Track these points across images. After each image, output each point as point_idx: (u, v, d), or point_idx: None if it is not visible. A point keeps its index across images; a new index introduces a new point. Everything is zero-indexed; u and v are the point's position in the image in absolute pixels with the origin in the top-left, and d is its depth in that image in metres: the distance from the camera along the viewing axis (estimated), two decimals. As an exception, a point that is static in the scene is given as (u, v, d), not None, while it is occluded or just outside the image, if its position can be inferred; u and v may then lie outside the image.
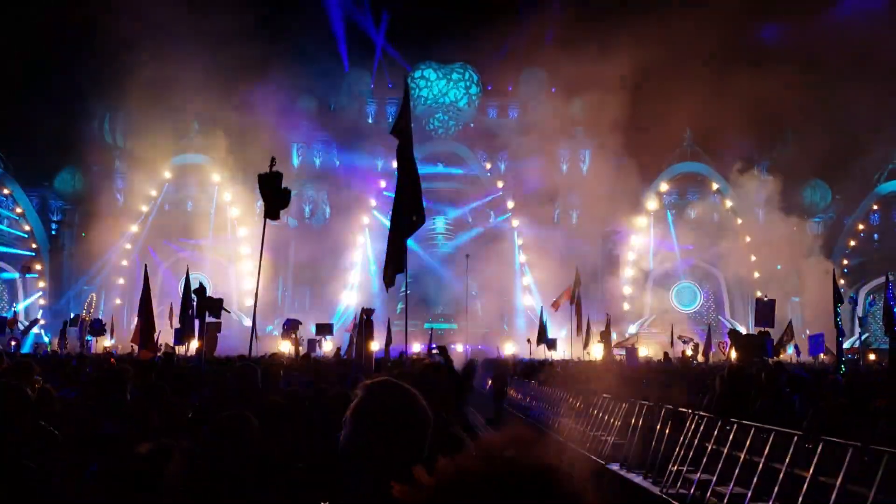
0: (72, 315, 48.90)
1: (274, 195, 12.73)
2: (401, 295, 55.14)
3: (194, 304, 19.00)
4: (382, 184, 65.60)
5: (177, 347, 27.35)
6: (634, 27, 56.07)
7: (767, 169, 63.51)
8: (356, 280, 63.22)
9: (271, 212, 12.79)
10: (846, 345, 39.71)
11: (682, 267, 64.22)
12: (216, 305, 18.81)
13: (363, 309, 18.51)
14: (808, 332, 48.25)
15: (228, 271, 60.87)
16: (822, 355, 40.27)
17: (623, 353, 40.52)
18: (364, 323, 18.02)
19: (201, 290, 18.28)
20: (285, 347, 36.52)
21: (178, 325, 25.76)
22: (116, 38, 53.78)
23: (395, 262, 10.62)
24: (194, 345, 27.56)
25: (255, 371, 7.32)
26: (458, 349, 51.65)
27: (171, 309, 36.90)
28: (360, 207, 64.66)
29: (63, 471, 4.73)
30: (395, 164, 54.49)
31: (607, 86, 58.49)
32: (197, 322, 19.02)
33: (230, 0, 55.52)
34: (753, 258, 61.92)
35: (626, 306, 63.13)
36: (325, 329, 41.36)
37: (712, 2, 54.06)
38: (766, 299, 34.88)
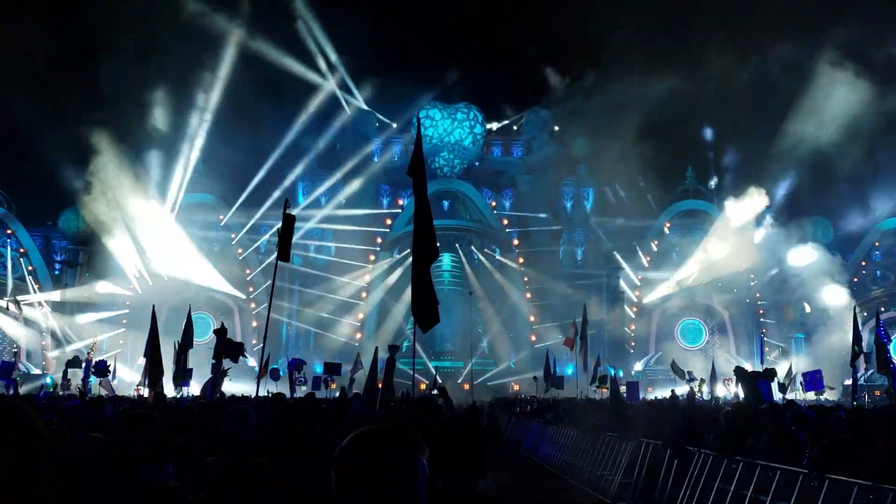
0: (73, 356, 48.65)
1: (286, 238, 12.74)
2: (408, 332, 55.24)
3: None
4: (388, 222, 65.96)
5: (181, 389, 27.13)
6: (638, 66, 56.74)
7: (769, 206, 63.62)
8: (361, 319, 63.32)
9: (284, 254, 12.78)
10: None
11: (686, 304, 64.06)
12: (236, 350, 18.15)
13: (389, 346, 18.12)
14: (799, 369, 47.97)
15: (232, 309, 60.88)
16: (825, 392, 40.01)
17: (624, 387, 40.53)
18: (387, 361, 17.54)
19: (223, 330, 17.79)
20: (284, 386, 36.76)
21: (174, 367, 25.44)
22: (122, 75, 54.30)
23: (427, 308, 10.49)
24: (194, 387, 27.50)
25: (250, 414, 7.29)
26: (465, 388, 51.56)
27: (177, 348, 36.72)
28: (365, 246, 64.79)
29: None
30: (401, 203, 54.55)
31: (611, 124, 58.86)
32: (213, 363, 18.43)
33: (236, 41, 56.39)
34: (758, 295, 61.89)
35: (631, 343, 63.15)
36: (333, 369, 41.32)
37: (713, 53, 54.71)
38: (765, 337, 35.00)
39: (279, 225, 12.18)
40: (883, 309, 54.17)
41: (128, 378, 46.71)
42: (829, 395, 40.26)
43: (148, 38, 55.62)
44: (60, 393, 38.67)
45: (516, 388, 57.43)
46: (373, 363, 19.54)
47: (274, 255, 12.68)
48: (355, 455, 2.56)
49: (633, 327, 63.88)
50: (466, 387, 51.92)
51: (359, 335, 61.60)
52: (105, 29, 53.53)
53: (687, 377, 46.51)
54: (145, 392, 24.76)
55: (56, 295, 60.94)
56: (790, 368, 40.25)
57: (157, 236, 58.03)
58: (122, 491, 5.42)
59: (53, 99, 58.55)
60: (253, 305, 61.68)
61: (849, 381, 35.89)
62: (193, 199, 62.57)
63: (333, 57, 63.34)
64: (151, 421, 6.73)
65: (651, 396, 44.19)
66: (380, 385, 17.96)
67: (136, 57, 54.85)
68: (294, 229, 12.74)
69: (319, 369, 46.03)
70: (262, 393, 17.19)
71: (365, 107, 67.87)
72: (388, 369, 17.27)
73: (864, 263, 63.25)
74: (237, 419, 7.25)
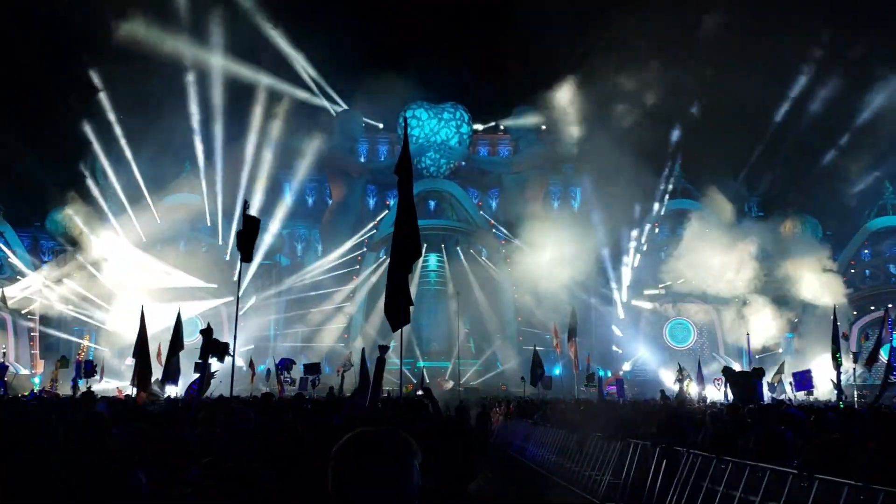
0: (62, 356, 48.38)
1: (248, 239, 12.83)
2: (394, 333, 55.02)
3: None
4: (374, 221, 65.80)
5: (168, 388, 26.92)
6: (623, 67, 56.79)
7: (758, 205, 63.80)
8: (349, 318, 63.18)
9: (247, 255, 12.86)
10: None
11: (674, 304, 64.04)
12: (222, 349, 18.06)
13: (379, 346, 17.93)
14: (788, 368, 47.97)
15: (221, 311, 60.56)
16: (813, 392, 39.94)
17: (614, 386, 40.51)
18: (378, 360, 17.30)
19: (208, 330, 17.71)
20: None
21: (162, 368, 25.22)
22: (109, 76, 54.16)
23: (399, 309, 10.46)
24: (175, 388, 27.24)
25: (249, 415, 7.23)
26: (450, 387, 51.51)
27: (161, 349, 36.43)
28: (351, 245, 64.64)
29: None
30: (388, 202, 54.40)
31: (598, 124, 58.89)
32: (200, 364, 18.33)
33: (222, 44, 56.34)
34: (746, 294, 61.92)
35: (619, 343, 63.10)
36: (313, 369, 41.14)
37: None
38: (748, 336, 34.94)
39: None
40: (872, 308, 54.43)
41: (113, 382, 46.42)
42: (819, 395, 40.21)
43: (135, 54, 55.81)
44: (46, 395, 38.33)
45: (503, 388, 57.38)
46: (362, 362, 19.41)
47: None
48: (352, 455, 2.55)
49: (621, 327, 63.84)
50: (451, 385, 51.92)
51: (347, 336, 61.53)
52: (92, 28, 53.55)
53: (676, 377, 46.49)
54: (132, 392, 24.56)
55: (46, 274, 60.45)
56: (779, 368, 40.18)
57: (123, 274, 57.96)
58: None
59: (39, 98, 58.46)
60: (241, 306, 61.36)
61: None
62: (180, 199, 62.35)
63: (319, 57, 63.36)
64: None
65: (640, 397, 44.14)
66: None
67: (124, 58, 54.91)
68: (257, 230, 12.85)
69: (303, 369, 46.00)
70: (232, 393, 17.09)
71: (346, 107, 67.80)
72: (378, 368, 17.11)
73: (853, 262, 63.48)
74: (233, 419, 7.19)
